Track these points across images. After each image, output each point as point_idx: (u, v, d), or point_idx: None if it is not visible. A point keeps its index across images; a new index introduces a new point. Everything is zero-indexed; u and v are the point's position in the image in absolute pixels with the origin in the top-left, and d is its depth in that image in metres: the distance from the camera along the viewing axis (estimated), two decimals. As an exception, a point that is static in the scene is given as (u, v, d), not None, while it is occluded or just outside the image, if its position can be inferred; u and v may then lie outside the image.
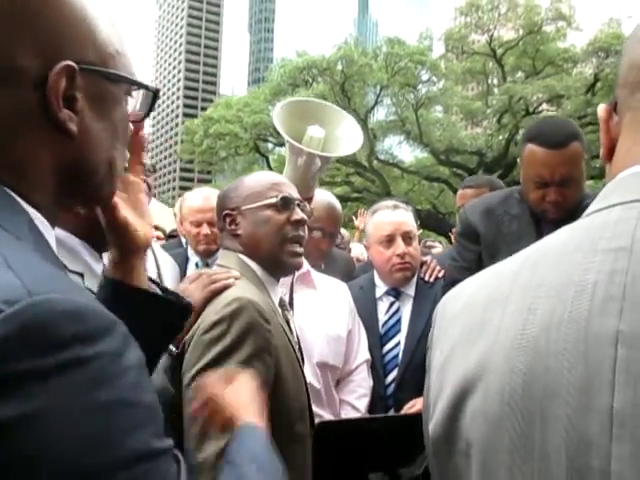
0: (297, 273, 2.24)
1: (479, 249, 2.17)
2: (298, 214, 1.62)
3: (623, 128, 0.72)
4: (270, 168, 27.57)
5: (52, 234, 0.72)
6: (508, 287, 0.68)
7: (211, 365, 1.31)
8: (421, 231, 3.19)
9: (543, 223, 2.06)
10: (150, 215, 1.02)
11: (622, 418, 0.53)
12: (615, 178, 0.70)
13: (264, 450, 0.90)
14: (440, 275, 2.49)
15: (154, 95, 0.83)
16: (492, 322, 0.66)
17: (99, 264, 1.53)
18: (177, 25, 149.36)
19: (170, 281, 2.38)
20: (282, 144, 28.31)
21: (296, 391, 1.50)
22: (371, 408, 2.31)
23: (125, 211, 0.96)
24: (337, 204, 2.74)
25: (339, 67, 24.07)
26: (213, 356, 1.32)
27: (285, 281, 1.95)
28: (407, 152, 32.58)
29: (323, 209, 2.63)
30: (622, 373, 0.54)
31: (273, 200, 1.60)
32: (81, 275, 1.40)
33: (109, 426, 0.52)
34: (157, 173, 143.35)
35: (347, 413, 2.24)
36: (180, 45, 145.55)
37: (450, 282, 2.28)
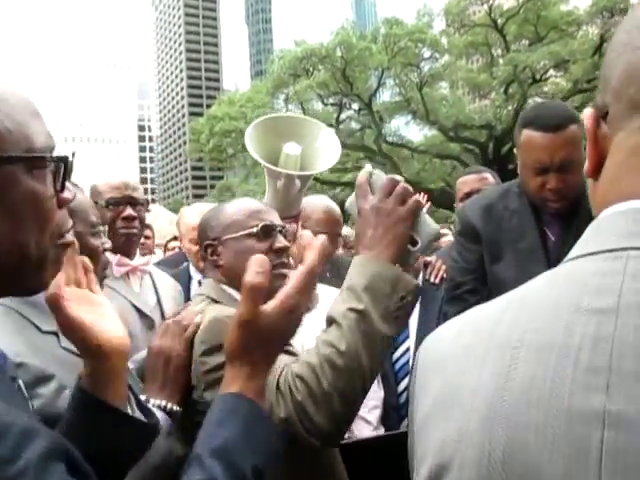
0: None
1: (480, 249, 2.08)
2: (280, 242, 1.58)
3: (613, 148, 0.63)
4: (278, 161, 27.48)
5: None
6: (485, 343, 0.62)
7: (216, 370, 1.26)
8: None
9: (544, 216, 1.98)
10: (123, 316, 0.91)
11: None
12: (599, 217, 0.63)
13: (243, 438, 0.73)
14: (445, 275, 2.41)
15: (63, 163, 0.76)
16: (469, 384, 0.60)
17: None
18: (175, 25, 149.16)
19: (171, 306, 2.33)
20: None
21: None
22: (384, 419, 2.26)
23: (78, 311, 0.85)
24: (334, 206, 2.67)
25: (338, 53, 23.84)
26: (217, 363, 1.27)
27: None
28: (415, 131, 32.33)
29: (321, 212, 2.56)
30: (609, 460, 0.48)
31: (254, 230, 1.55)
32: (56, 334, 1.35)
33: None
34: (168, 174, 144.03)
35: (359, 428, 2.19)
36: (180, 45, 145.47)
37: (452, 285, 2.20)
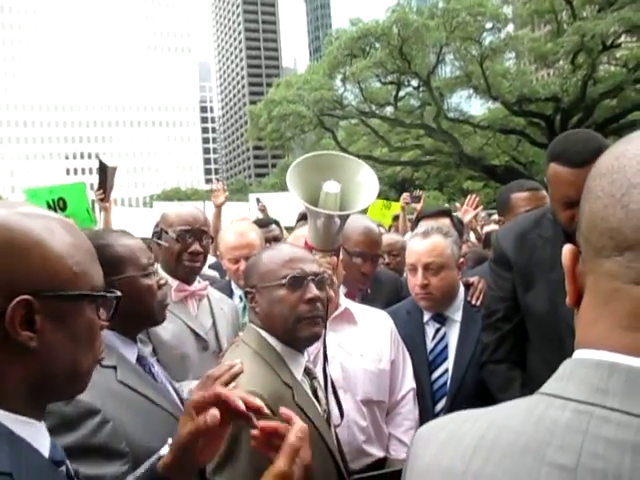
0: (334, 314, 2.26)
1: (513, 277, 2.10)
2: (311, 292, 1.63)
3: (588, 289, 0.68)
4: (337, 142, 27.46)
5: (39, 427, 0.87)
6: (461, 470, 0.68)
7: (222, 460, 1.42)
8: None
9: (563, 247, 1.97)
10: None
11: None
12: (577, 354, 0.68)
13: None
14: None
15: (116, 299, 0.95)
16: None
17: (133, 349, 1.66)
18: (233, 4, 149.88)
19: (226, 331, 2.45)
20: (347, 117, 28.06)
21: (319, 468, 1.55)
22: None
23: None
24: (374, 227, 2.71)
25: (395, 31, 23.31)
26: (222, 449, 1.36)
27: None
28: (477, 106, 31.38)
29: (360, 234, 2.60)
30: None
31: (283, 281, 1.63)
32: (114, 368, 1.53)
33: None
34: (231, 154, 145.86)
35: (395, 448, 2.25)
36: (239, 24, 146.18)
37: (487, 313, 2.22)
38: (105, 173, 4.21)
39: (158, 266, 1.83)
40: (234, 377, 1.50)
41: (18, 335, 0.79)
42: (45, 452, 0.86)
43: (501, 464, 0.64)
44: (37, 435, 0.85)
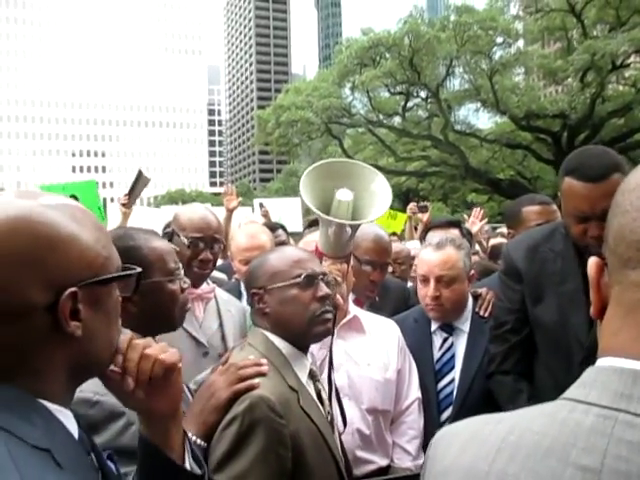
0: (343, 321, 2.27)
1: (523, 289, 2.11)
2: (322, 290, 1.66)
3: (613, 300, 0.69)
4: (344, 149, 27.53)
5: (68, 415, 0.87)
6: (485, 471, 0.69)
7: (225, 459, 1.43)
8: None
9: (589, 260, 1.98)
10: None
11: None
12: (600, 362, 0.69)
13: None
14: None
15: (138, 275, 0.98)
16: None
17: None
18: (245, 9, 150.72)
19: (233, 333, 2.41)
20: (354, 125, 28.16)
21: (322, 473, 1.57)
22: (425, 448, 2.31)
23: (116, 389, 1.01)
24: (383, 234, 2.71)
25: (406, 42, 23.44)
26: (227, 448, 1.43)
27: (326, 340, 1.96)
28: (485, 119, 31.48)
29: (370, 241, 2.61)
30: None
31: (297, 280, 1.65)
32: None
33: None
34: (236, 158, 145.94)
35: (400, 457, 2.24)
36: (250, 30, 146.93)
37: (495, 324, 2.23)
38: (138, 182, 4.41)
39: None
40: (257, 375, 1.52)
41: (68, 326, 0.82)
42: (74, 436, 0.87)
43: (524, 465, 0.65)
44: (67, 421, 0.86)
